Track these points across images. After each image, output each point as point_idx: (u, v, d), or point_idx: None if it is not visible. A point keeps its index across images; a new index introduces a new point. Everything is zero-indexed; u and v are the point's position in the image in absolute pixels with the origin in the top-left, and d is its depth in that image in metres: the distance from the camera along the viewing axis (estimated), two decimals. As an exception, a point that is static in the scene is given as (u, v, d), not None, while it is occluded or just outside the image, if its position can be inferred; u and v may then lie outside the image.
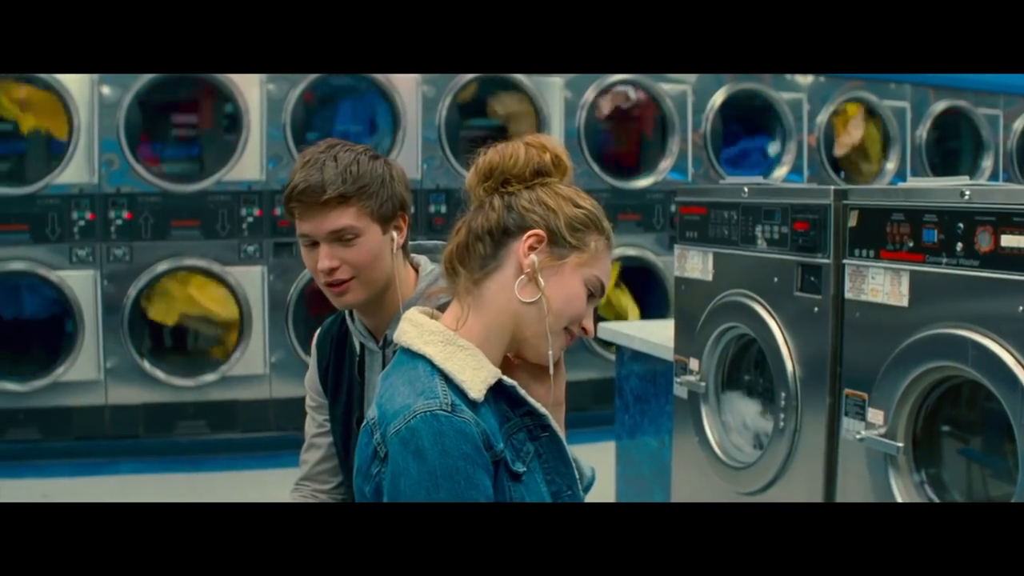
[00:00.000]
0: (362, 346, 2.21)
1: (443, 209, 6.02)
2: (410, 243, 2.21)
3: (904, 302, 2.57)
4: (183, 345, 5.97)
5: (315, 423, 2.33)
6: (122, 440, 5.69)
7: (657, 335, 3.88)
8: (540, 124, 6.17)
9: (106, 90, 5.48)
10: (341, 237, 2.04)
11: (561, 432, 1.69)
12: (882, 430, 2.61)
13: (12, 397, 5.51)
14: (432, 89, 5.94)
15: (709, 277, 3.28)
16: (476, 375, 1.58)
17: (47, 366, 5.57)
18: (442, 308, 1.71)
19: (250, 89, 5.65)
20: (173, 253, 5.64)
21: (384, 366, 2.11)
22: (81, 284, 5.54)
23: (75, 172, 5.49)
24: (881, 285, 2.63)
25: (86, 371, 5.58)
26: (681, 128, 6.50)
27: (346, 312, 2.24)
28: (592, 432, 5.61)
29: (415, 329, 1.64)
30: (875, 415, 2.64)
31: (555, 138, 1.70)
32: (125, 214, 5.58)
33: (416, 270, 2.20)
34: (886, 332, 2.62)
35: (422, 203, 5.95)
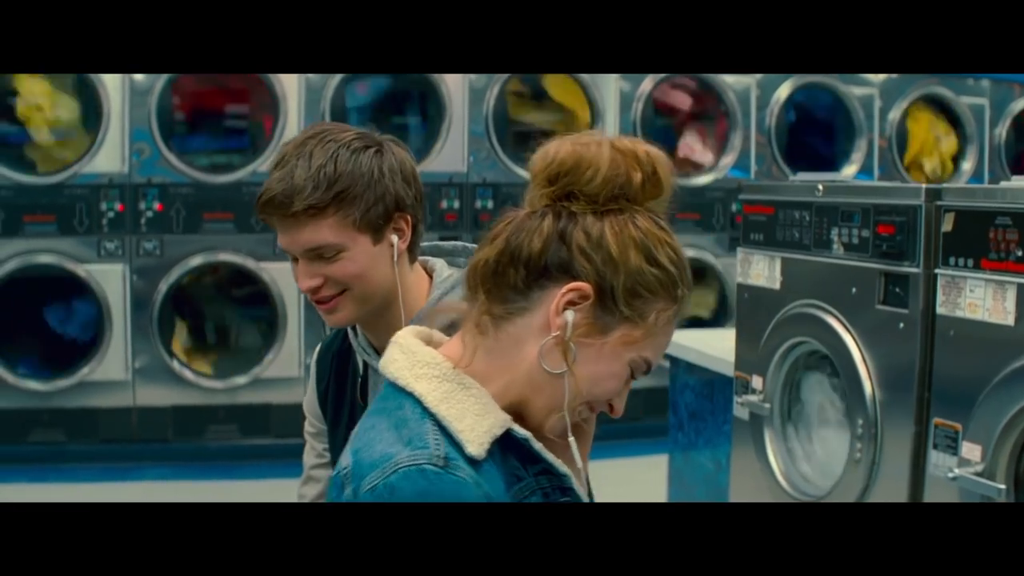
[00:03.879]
0: (365, 364, 1.88)
1: (490, 204, 5.70)
2: (425, 244, 1.88)
3: (1009, 320, 2.21)
4: (225, 342, 5.69)
5: (314, 452, 2.02)
6: (149, 444, 5.43)
7: (715, 346, 3.53)
8: (594, 117, 5.83)
9: (138, 76, 5.21)
10: (320, 254, 1.72)
11: (584, 496, 1.35)
12: (979, 468, 2.25)
13: (36, 397, 5.27)
14: (480, 78, 5.62)
15: (776, 285, 2.92)
16: (479, 423, 1.25)
17: (72, 365, 5.31)
18: (454, 328, 1.39)
19: (289, 78, 5.36)
20: (206, 247, 5.36)
21: None
22: (109, 279, 5.28)
23: (104, 161, 5.23)
24: (981, 299, 2.27)
25: (113, 371, 5.33)
26: (744, 123, 6.14)
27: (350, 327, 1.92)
28: (645, 444, 5.32)
29: (405, 357, 1.31)
30: (970, 450, 2.28)
31: (655, 146, 1.30)
32: (156, 205, 5.31)
33: (430, 275, 1.86)
34: (986, 354, 2.26)
35: (468, 198, 5.64)
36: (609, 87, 5.87)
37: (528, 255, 1.26)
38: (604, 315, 1.26)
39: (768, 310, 2.94)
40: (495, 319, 1.28)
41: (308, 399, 2.02)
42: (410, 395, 1.27)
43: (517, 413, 1.30)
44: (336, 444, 1.93)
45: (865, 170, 6.40)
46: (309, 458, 2.02)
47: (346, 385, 1.93)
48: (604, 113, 5.83)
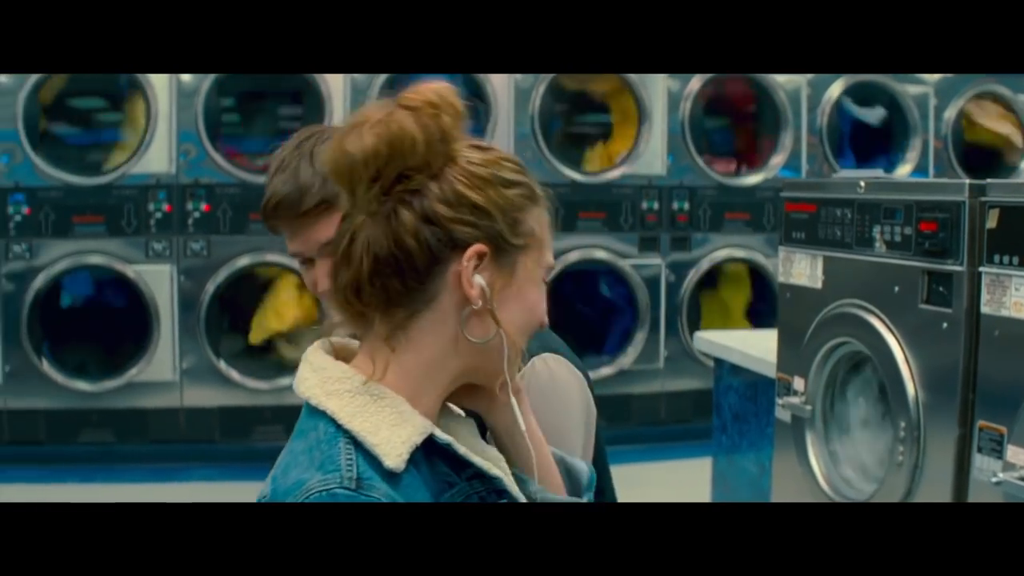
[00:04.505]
0: None
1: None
2: None
3: (1055, 319, 2.13)
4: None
5: None
6: (197, 444, 5.45)
7: (759, 347, 3.46)
8: (642, 116, 5.77)
9: (185, 77, 5.24)
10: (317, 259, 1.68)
11: (519, 495, 1.30)
12: (1024, 472, 2.18)
13: (85, 397, 5.31)
14: (526, 78, 5.58)
15: (818, 284, 2.85)
16: (395, 434, 1.19)
17: (121, 365, 5.35)
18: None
19: (335, 79, 5.36)
20: (252, 248, 5.37)
21: None
22: (157, 279, 5.31)
23: (152, 162, 5.26)
24: (1027, 298, 2.20)
25: (161, 372, 5.35)
26: (795, 123, 6.05)
27: None
28: (692, 446, 5.25)
29: (315, 375, 1.24)
30: (1016, 454, 2.20)
31: (434, 83, 1.24)
32: (203, 206, 5.33)
33: None
34: (1032, 355, 2.18)
35: (514, 199, 5.59)
36: (657, 86, 5.81)
37: (408, 257, 1.20)
38: (504, 258, 1.24)
39: (810, 310, 2.87)
40: (398, 326, 1.23)
41: None
42: (323, 414, 1.21)
43: (469, 398, 1.30)
44: None
45: (920, 170, 6.28)
46: None
47: None
48: (652, 112, 5.77)
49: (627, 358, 5.87)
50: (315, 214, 1.66)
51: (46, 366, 5.26)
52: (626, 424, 5.87)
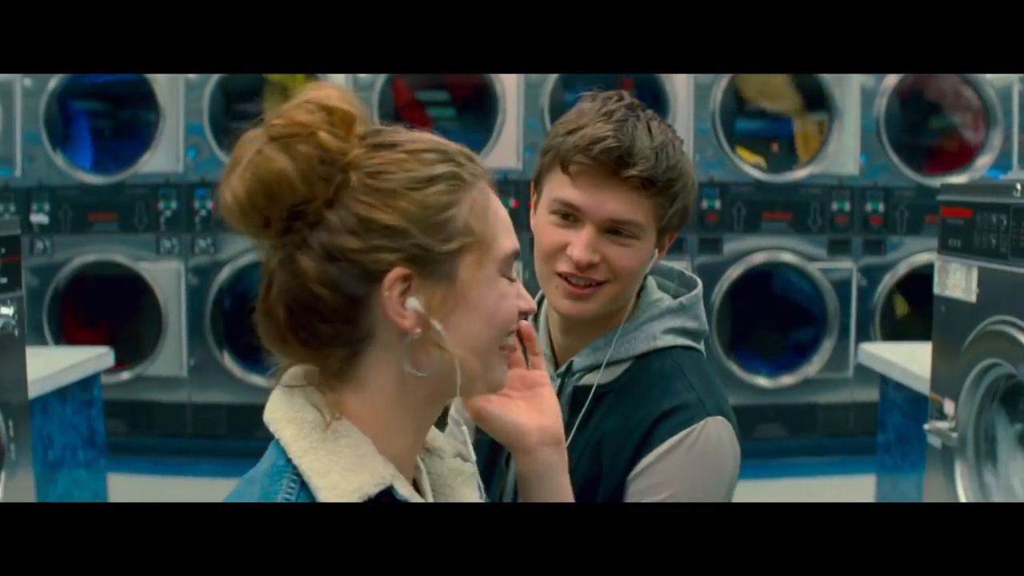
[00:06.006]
0: None
1: (717, 204, 5.46)
2: None
3: None
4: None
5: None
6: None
7: (926, 362, 3.19)
8: (832, 116, 5.47)
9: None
10: (618, 231, 1.55)
11: None
12: None
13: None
14: (706, 78, 5.37)
15: (972, 298, 2.59)
16: (346, 479, 1.06)
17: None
18: None
19: (509, 77, 5.30)
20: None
21: (559, 397, 1.62)
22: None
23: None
24: None
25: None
26: (1006, 122, 5.62)
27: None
28: (860, 461, 4.93)
29: (284, 398, 1.13)
30: None
31: (311, 91, 1.07)
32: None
33: (639, 293, 1.68)
34: None
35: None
36: (850, 83, 5.49)
37: (322, 303, 1.06)
38: (438, 270, 1.08)
39: (964, 327, 2.62)
40: (350, 366, 1.11)
41: None
42: (279, 442, 1.10)
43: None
44: (483, 447, 1.71)
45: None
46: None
47: None
48: (844, 111, 5.46)
49: (812, 367, 5.59)
50: (631, 184, 1.55)
51: (228, 360, 5.38)
52: (811, 434, 5.60)
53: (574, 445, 1.61)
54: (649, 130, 1.54)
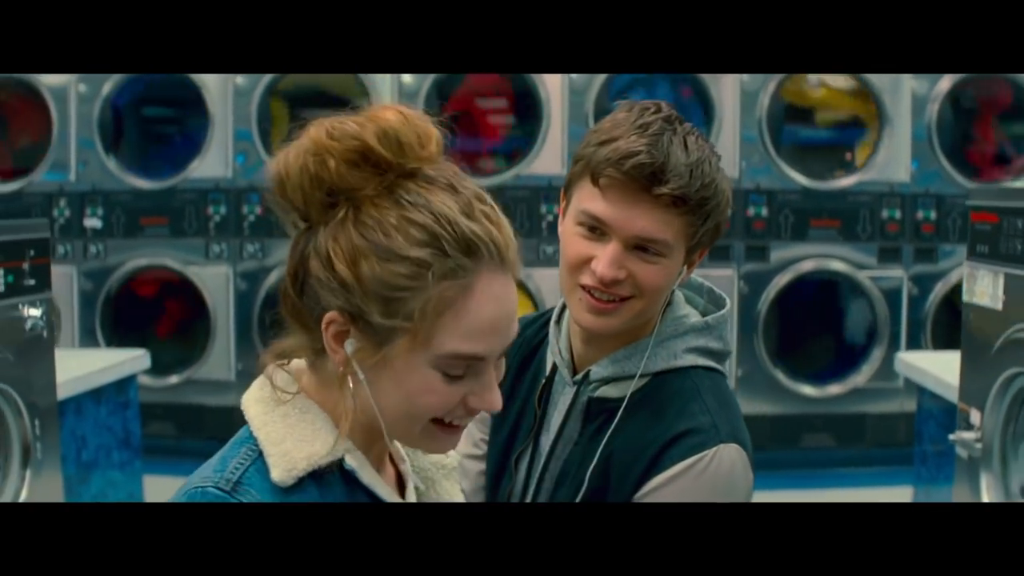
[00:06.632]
0: (554, 368, 1.69)
1: (764, 212, 5.40)
2: None
3: None
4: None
5: (471, 440, 1.82)
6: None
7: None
8: (882, 123, 5.39)
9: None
10: (645, 248, 1.52)
11: None
12: None
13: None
14: (753, 79, 5.32)
15: (999, 305, 2.53)
16: (299, 448, 1.12)
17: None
18: None
19: (552, 80, 5.29)
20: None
21: (573, 406, 1.63)
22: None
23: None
24: None
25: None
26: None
27: (555, 315, 1.72)
28: (903, 473, 4.84)
29: (259, 385, 1.20)
30: None
31: (374, 111, 1.10)
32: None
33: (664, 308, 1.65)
34: None
35: (740, 204, 5.36)
36: (901, 87, 5.41)
37: (290, 298, 1.15)
38: (372, 335, 1.09)
39: (991, 335, 2.56)
40: (320, 359, 1.17)
41: None
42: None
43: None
44: (497, 441, 1.75)
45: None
46: (464, 445, 1.81)
47: (523, 383, 1.74)
48: (893, 117, 5.38)
49: (861, 376, 5.50)
50: (662, 202, 1.52)
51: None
52: (859, 445, 5.52)
53: (583, 457, 1.61)
54: (685, 145, 1.51)
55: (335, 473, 1.14)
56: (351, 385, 1.13)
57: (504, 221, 1.13)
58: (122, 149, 5.60)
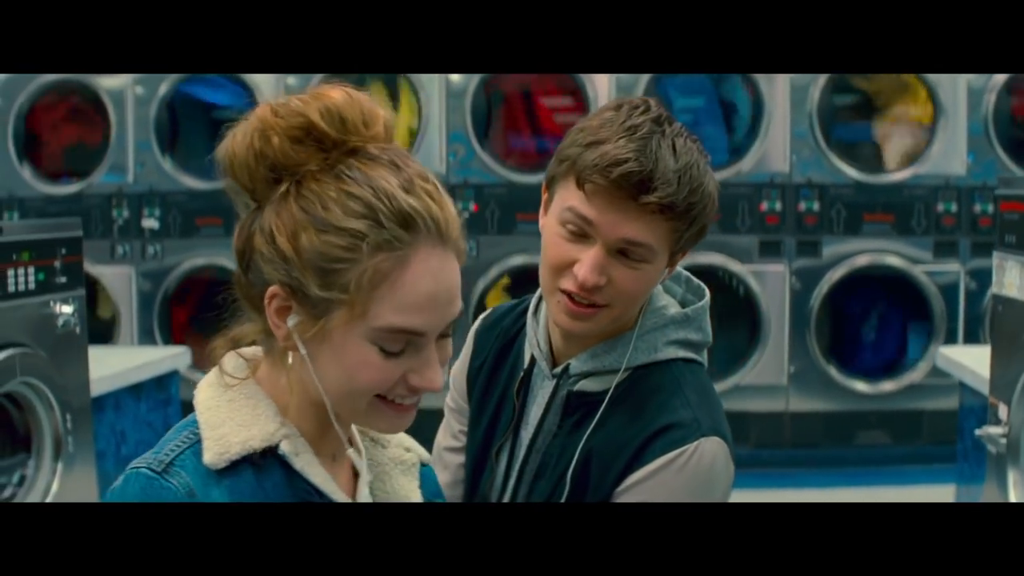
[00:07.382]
0: (532, 360, 1.68)
1: (815, 207, 5.32)
2: None
3: None
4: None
5: (450, 432, 1.81)
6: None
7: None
8: (937, 116, 5.29)
9: (455, 77, 5.31)
10: (628, 253, 1.50)
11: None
12: None
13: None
14: (801, 77, 5.24)
15: (1025, 297, 2.49)
16: (236, 432, 1.14)
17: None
18: None
19: (600, 78, 5.27)
20: (520, 249, 5.36)
21: (552, 399, 1.63)
22: None
23: (423, 161, 5.33)
24: None
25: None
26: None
27: (532, 306, 1.71)
28: (946, 470, 4.74)
29: (214, 372, 1.23)
30: None
31: (318, 89, 1.13)
32: (472, 206, 5.37)
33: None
34: None
35: (791, 199, 5.30)
36: (958, 82, 5.30)
37: (239, 274, 1.18)
38: (311, 308, 1.11)
39: (1020, 327, 2.51)
40: (267, 338, 1.20)
41: (458, 369, 1.81)
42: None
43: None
44: (475, 436, 1.74)
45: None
46: (443, 437, 1.81)
47: (501, 375, 1.73)
48: (948, 110, 5.28)
49: (917, 372, 5.41)
50: (648, 209, 1.49)
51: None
52: (916, 442, 5.42)
53: (563, 451, 1.60)
54: (674, 149, 1.47)
55: (273, 459, 1.15)
56: (292, 362, 1.15)
57: (447, 200, 1.14)
58: (178, 150, 5.69)
